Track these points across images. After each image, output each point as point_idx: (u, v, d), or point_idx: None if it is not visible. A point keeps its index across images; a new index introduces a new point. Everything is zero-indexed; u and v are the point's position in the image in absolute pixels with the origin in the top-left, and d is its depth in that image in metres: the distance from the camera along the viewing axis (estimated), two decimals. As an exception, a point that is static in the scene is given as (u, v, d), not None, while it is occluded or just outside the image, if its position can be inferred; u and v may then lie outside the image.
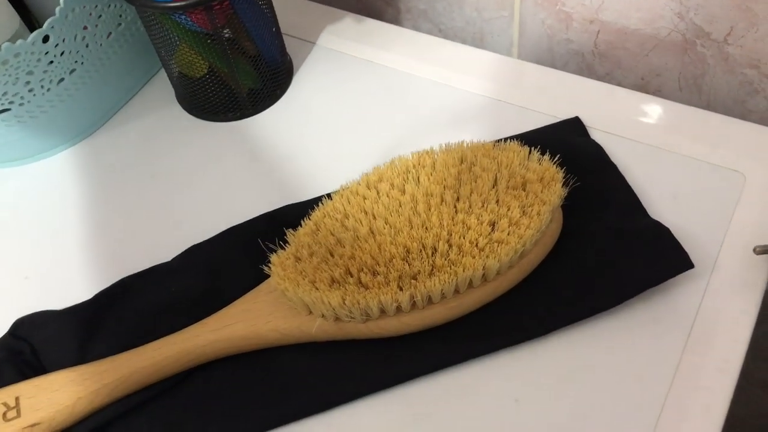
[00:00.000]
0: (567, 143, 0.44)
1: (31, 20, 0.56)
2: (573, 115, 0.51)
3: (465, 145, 0.44)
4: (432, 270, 0.38)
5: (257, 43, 0.54)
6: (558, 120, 0.51)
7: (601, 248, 0.42)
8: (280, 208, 0.48)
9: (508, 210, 0.40)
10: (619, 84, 0.57)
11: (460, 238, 0.39)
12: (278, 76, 0.57)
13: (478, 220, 0.39)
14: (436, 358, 0.40)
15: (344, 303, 0.38)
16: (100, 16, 0.54)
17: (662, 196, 0.46)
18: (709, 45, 0.52)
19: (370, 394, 0.39)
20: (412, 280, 0.38)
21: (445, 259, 0.38)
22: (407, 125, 0.54)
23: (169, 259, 0.47)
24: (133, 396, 0.40)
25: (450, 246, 0.39)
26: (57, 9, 0.50)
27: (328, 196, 0.44)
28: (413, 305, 0.39)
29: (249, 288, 0.43)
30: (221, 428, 0.39)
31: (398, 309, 0.39)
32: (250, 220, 0.48)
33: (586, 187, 0.44)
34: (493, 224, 0.40)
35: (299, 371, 0.40)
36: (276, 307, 0.40)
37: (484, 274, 0.39)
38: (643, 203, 0.45)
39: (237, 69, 0.54)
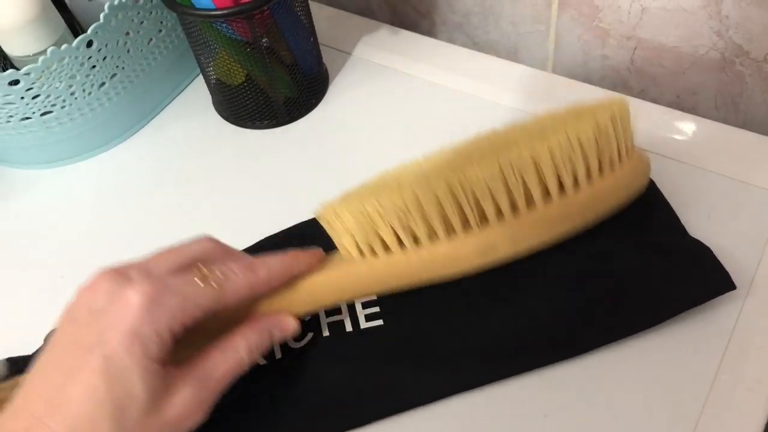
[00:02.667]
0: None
1: (74, 25, 0.58)
2: (607, 131, 0.51)
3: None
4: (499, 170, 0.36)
5: (295, 53, 0.55)
6: (592, 135, 0.51)
7: (640, 266, 0.42)
8: (314, 218, 0.48)
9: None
10: (654, 101, 0.57)
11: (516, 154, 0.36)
12: (314, 85, 0.58)
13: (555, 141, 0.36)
14: (469, 377, 0.39)
15: (400, 204, 0.35)
16: (142, 22, 0.55)
17: (697, 215, 0.45)
18: (748, 64, 0.52)
19: (399, 412, 0.39)
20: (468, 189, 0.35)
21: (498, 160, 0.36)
22: (441, 137, 0.54)
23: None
24: None
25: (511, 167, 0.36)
26: (101, 15, 0.51)
27: None
28: (480, 220, 0.36)
29: None
30: None
31: (454, 230, 0.36)
32: (286, 230, 0.48)
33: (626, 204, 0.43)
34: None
35: (329, 385, 0.40)
36: (325, 263, 0.39)
37: (545, 183, 0.36)
38: (678, 221, 0.45)
39: (274, 77, 0.54)
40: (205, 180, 0.55)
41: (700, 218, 0.45)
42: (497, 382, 0.40)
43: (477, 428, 0.38)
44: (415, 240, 0.37)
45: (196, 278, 0.34)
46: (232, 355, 0.35)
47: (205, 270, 0.35)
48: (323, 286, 0.39)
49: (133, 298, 0.32)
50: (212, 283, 0.34)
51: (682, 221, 0.45)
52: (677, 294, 0.40)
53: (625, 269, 0.41)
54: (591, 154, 0.37)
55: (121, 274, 0.34)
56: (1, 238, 0.53)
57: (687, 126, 0.51)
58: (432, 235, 0.37)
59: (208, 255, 0.37)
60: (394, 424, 0.39)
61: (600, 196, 0.39)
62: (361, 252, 0.38)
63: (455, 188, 0.35)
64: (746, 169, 0.48)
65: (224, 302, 0.35)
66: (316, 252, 0.39)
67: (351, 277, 0.39)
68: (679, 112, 0.52)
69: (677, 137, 0.51)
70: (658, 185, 0.47)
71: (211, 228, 0.50)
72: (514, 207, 0.37)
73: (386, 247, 0.38)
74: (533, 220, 0.37)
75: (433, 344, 0.41)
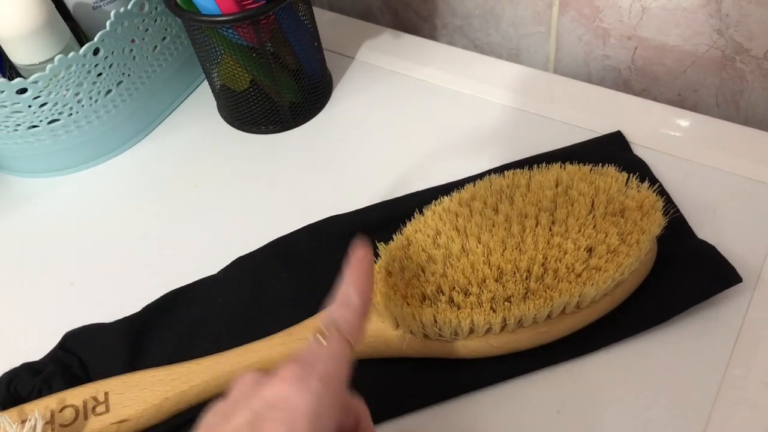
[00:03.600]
0: (612, 158, 0.44)
1: (78, 33, 0.58)
2: (610, 130, 0.52)
3: (561, 167, 0.43)
4: (526, 293, 0.37)
5: (299, 58, 0.55)
6: (595, 134, 0.52)
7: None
8: (323, 219, 0.49)
9: (606, 236, 0.39)
10: (656, 100, 0.58)
11: (556, 262, 0.38)
12: (318, 89, 0.58)
13: (575, 244, 0.38)
14: (482, 374, 0.40)
15: (435, 321, 0.37)
16: (147, 30, 0.55)
17: (702, 211, 0.46)
18: (748, 61, 0.52)
19: (412, 410, 0.40)
20: (506, 303, 0.37)
21: (540, 284, 0.38)
22: (445, 138, 0.55)
23: (213, 269, 0.48)
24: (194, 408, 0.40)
25: (545, 270, 0.38)
26: (108, 22, 0.51)
27: (420, 211, 0.43)
28: (503, 327, 0.38)
29: (295, 298, 0.43)
30: None
31: (488, 330, 0.38)
32: (294, 232, 0.48)
33: None
34: (590, 250, 0.39)
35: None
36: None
37: (578, 302, 0.38)
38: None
39: (279, 82, 0.55)
40: (212, 185, 0.55)
41: (705, 214, 0.46)
42: (510, 379, 0.40)
43: (490, 424, 0.39)
44: (455, 334, 0.39)
45: (319, 339, 0.31)
46: None
47: (320, 329, 0.32)
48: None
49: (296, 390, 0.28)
50: (334, 332, 0.31)
51: (688, 217, 0.45)
52: (684, 290, 0.41)
53: None
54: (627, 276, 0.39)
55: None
56: (10, 245, 0.53)
57: (689, 124, 0.52)
58: (471, 333, 0.39)
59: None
60: (406, 421, 0.39)
61: (621, 295, 0.40)
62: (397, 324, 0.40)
63: (507, 317, 0.37)
64: (749, 165, 0.48)
65: (357, 345, 0.32)
66: (365, 252, 0.35)
67: (387, 348, 0.40)
68: (681, 110, 0.53)
69: (680, 135, 0.51)
70: (663, 184, 0.47)
71: (219, 233, 0.51)
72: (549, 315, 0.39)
73: (426, 336, 0.39)
74: (563, 325, 0.39)
75: None
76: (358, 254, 0.35)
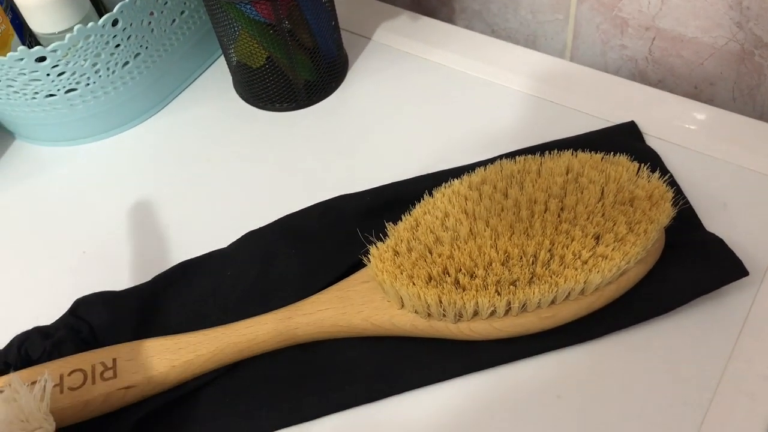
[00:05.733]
0: (624, 148, 0.44)
1: (98, 4, 0.58)
2: (625, 120, 0.51)
3: (572, 154, 0.44)
4: (532, 278, 0.38)
5: (316, 36, 0.55)
6: (609, 123, 0.52)
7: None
8: (334, 197, 0.49)
9: (614, 225, 0.39)
10: (671, 91, 0.57)
11: (562, 248, 0.38)
12: (334, 69, 0.59)
13: (582, 232, 0.39)
14: (484, 357, 0.40)
15: (440, 302, 0.38)
16: (166, 2, 0.56)
17: (713, 204, 0.46)
18: (767, 56, 0.52)
19: (412, 389, 0.40)
20: (511, 286, 0.38)
21: (546, 269, 0.38)
22: (458, 121, 0.55)
23: (223, 243, 0.48)
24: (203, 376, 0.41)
25: (552, 256, 0.38)
26: (127, -7, 0.52)
27: (429, 193, 0.44)
28: (507, 311, 0.39)
29: (303, 273, 0.44)
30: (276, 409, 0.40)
31: (492, 313, 0.39)
32: (305, 209, 0.49)
33: None
34: (597, 238, 0.39)
35: (352, 359, 0.41)
36: (369, 298, 0.41)
37: (583, 288, 0.38)
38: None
39: (295, 60, 0.55)
40: (225, 160, 0.55)
41: (716, 208, 0.46)
42: (512, 363, 0.40)
43: (491, 408, 0.39)
44: (459, 316, 0.39)
45: None
46: None
47: None
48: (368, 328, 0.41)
49: None
50: None
51: (698, 210, 0.45)
52: (690, 281, 0.41)
53: None
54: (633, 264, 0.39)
55: None
56: (25, 212, 0.54)
57: (704, 116, 0.52)
58: (475, 316, 0.39)
59: None
60: (408, 401, 0.40)
61: (626, 284, 0.40)
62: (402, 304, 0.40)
63: (512, 301, 0.38)
64: (762, 161, 0.48)
65: None
66: None
67: (391, 326, 0.40)
68: (696, 103, 0.53)
69: (694, 127, 0.51)
70: (674, 176, 0.47)
71: (231, 207, 0.52)
72: (553, 301, 0.39)
73: (430, 316, 0.40)
74: (567, 311, 0.39)
75: None
76: None
